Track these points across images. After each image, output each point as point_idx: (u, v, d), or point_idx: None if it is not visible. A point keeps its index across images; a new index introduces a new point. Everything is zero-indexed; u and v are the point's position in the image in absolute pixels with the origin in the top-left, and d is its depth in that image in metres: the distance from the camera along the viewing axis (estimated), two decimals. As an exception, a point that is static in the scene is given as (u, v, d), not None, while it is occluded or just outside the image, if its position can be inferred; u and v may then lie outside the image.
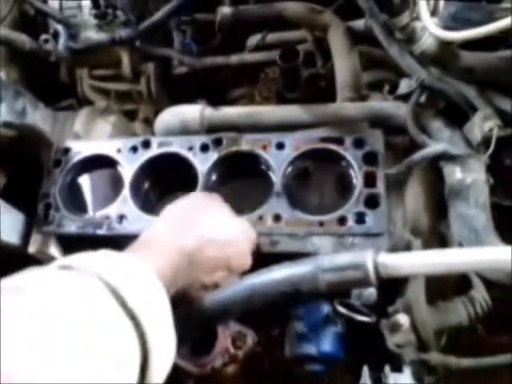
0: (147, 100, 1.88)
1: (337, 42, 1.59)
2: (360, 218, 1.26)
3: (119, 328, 0.80)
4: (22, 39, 1.79)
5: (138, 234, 1.11)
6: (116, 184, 1.47)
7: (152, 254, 1.01)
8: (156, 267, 0.96)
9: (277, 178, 1.36)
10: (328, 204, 1.34)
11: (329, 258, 1.01)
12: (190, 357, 1.30)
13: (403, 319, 1.15)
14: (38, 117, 1.60)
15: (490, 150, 1.23)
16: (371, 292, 1.18)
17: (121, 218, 1.40)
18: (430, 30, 1.21)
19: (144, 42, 1.86)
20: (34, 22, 1.91)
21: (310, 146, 1.38)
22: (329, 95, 1.54)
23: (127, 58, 1.83)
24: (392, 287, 1.16)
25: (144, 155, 1.48)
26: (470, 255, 0.90)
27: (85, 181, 1.55)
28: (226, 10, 1.72)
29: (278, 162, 1.37)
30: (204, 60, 1.92)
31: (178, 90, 1.90)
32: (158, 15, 1.76)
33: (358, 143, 1.34)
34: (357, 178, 1.31)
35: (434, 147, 1.27)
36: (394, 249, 1.22)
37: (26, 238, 1.50)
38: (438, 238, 1.30)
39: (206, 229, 1.14)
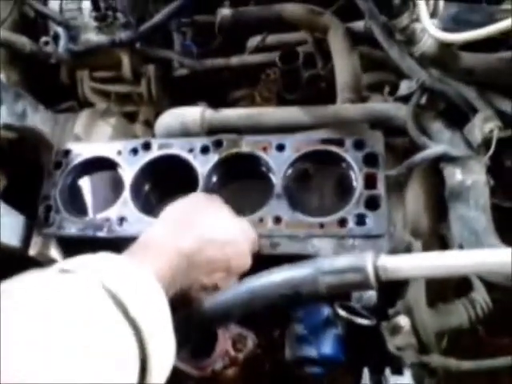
0: (148, 102, 1.87)
1: (337, 43, 1.59)
2: (360, 220, 1.26)
3: (118, 332, 0.80)
4: (23, 41, 1.79)
5: (139, 236, 1.11)
6: (116, 186, 1.47)
7: (151, 255, 1.01)
8: (155, 269, 0.96)
9: (277, 179, 1.36)
10: (328, 206, 1.34)
11: (329, 260, 1.01)
12: (190, 359, 1.30)
13: (404, 321, 1.15)
14: (38, 119, 1.59)
15: (491, 152, 1.23)
16: (371, 294, 1.18)
17: (121, 220, 1.40)
18: (430, 31, 1.20)
19: (144, 43, 1.85)
20: (34, 24, 1.91)
21: (310, 148, 1.38)
22: (329, 97, 1.54)
23: (127, 60, 1.83)
24: (392, 289, 1.15)
25: (144, 157, 1.48)
26: (470, 258, 0.90)
27: (85, 183, 1.55)
28: (225, 11, 1.72)
29: (279, 164, 1.37)
30: (204, 62, 1.92)
31: (178, 92, 1.90)
32: (158, 17, 1.76)
33: (359, 145, 1.33)
34: (357, 179, 1.30)
35: (434, 149, 1.27)
36: (394, 250, 1.22)
37: (26, 240, 1.49)
38: (439, 240, 1.30)
39: (206, 229, 1.14)
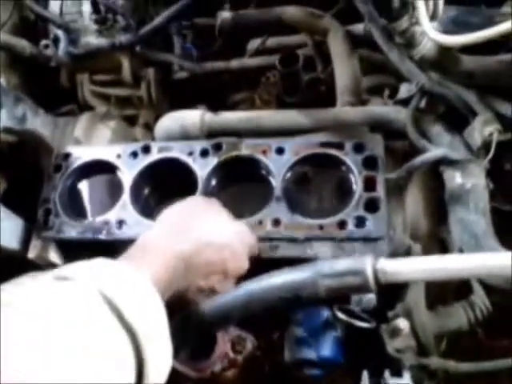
0: (147, 105, 1.87)
1: (337, 46, 1.59)
2: (360, 222, 1.26)
3: (114, 338, 0.81)
4: (23, 44, 1.79)
5: (138, 239, 1.11)
6: (116, 189, 1.47)
7: (148, 259, 1.01)
8: (151, 273, 0.96)
9: (276, 182, 1.36)
10: (328, 208, 1.34)
11: (328, 263, 1.01)
12: (189, 361, 1.30)
13: (403, 324, 1.15)
14: (38, 122, 1.60)
15: (490, 155, 1.23)
16: (371, 297, 1.18)
17: (120, 223, 1.40)
18: (430, 34, 1.20)
19: (144, 47, 1.86)
20: (34, 27, 1.91)
21: (309, 151, 1.38)
22: (329, 100, 1.54)
23: (127, 63, 1.83)
24: (392, 292, 1.16)
25: (144, 160, 1.48)
26: (470, 261, 0.90)
27: (85, 186, 1.55)
28: (226, 14, 1.73)
29: (278, 167, 1.37)
30: (204, 65, 1.92)
31: (178, 95, 1.90)
32: (158, 20, 1.77)
33: (358, 148, 1.33)
34: (357, 182, 1.30)
35: (434, 152, 1.27)
36: (393, 254, 1.22)
37: (25, 243, 1.49)
38: (438, 243, 1.30)
39: (203, 232, 1.13)
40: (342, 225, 1.27)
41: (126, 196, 1.43)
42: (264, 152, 1.39)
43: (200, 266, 1.11)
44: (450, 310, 1.21)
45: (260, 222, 1.31)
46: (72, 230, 1.44)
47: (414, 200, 1.32)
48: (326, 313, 1.25)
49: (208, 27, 1.86)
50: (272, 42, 1.89)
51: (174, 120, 1.56)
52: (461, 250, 1.19)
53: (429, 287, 1.18)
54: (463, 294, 1.22)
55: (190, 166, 1.43)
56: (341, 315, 1.21)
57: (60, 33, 1.79)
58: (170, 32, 1.91)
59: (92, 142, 1.66)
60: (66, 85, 1.94)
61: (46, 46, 1.77)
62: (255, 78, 1.88)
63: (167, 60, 1.91)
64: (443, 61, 1.29)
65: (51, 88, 1.92)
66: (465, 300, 1.21)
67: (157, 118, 1.64)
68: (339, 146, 1.35)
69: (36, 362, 0.70)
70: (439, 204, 1.29)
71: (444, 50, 1.26)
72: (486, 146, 1.23)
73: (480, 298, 1.19)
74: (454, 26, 1.32)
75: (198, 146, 1.45)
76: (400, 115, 1.37)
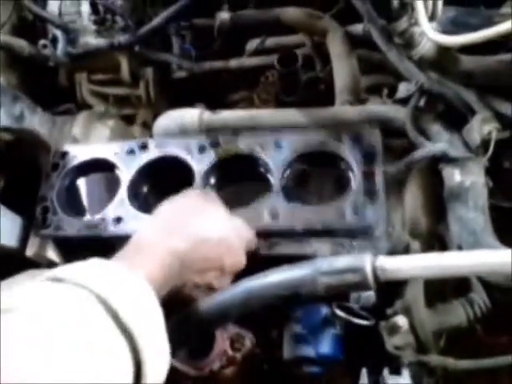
0: (146, 104, 1.88)
1: (335, 46, 1.59)
2: (358, 212, 1.25)
3: (112, 341, 0.81)
4: (21, 44, 1.79)
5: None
6: (113, 187, 1.46)
7: (143, 257, 1.00)
8: (146, 271, 0.96)
9: (274, 176, 1.35)
10: (326, 200, 1.33)
11: (327, 261, 1.01)
12: (187, 359, 1.30)
13: (402, 321, 1.15)
14: (36, 121, 1.60)
15: (489, 153, 1.23)
16: (370, 295, 1.18)
17: (118, 219, 1.39)
18: (429, 34, 1.21)
19: (143, 47, 1.86)
20: (32, 27, 1.91)
21: (307, 145, 1.37)
22: (327, 99, 1.54)
23: (126, 62, 1.84)
24: (391, 289, 1.15)
25: (141, 157, 1.47)
26: (469, 258, 0.90)
27: (82, 184, 1.55)
28: (224, 14, 1.73)
29: (276, 161, 1.37)
30: (203, 64, 1.92)
31: (176, 95, 1.91)
32: (156, 20, 1.77)
33: (356, 140, 1.33)
34: (355, 175, 1.30)
35: (434, 146, 1.27)
36: (392, 251, 1.22)
37: (23, 241, 1.49)
38: (437, 241, 1.30)
39: (199, 228, 1.12)
40: (340, 215, 1.26)
41: (123, 192, 1.43)
42: (261, 147, 1.39)
43: (196, 262, 1.10)
44: (449, 307, 1.21)
45: (258, 215, 1.31)
46: (70, 228, 1.44)
47: (413, 197, 1.32)
48: (324, 310, 1.25)
49: (207, 28, 1.87)
50: (271, 41, 1.89)
51: (172, 119, 1.56)
52: (459, 248, 1.19)
53: (428, 284, 1.19)
54: (462, 291, 1.22)
55: (187, 163, 1.42)
56: (340, 312, 1.21)
57: (58, 33, 1.80)
58: (168, 32, 1.92)
59: (90, 140, 1.66)
60: (64, 84, 1.95)
61: (45, 46, 1.77)
62: (254, 77, 1.88)
63: (166, 60, 1.91)
64: (442, 61, 1.30)
65: (49, 87, 1.92)
66: (464, 297, 1.21)
67: (155, 117, 1.64)
68: (337, 139, 1.35)
69: (34, 365, 0.70)
70: (438, 202, 1.29)
71: (443, 51, 1.27)
72: (484, 144, 1.24)
73: (479, 295, 1.20)
74: (453, 26, 1.32)
75: (196, 142, 1.45)
76: (399, 114, 1.37)
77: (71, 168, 1.53)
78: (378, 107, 1.46)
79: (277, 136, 1.40)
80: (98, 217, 1.42)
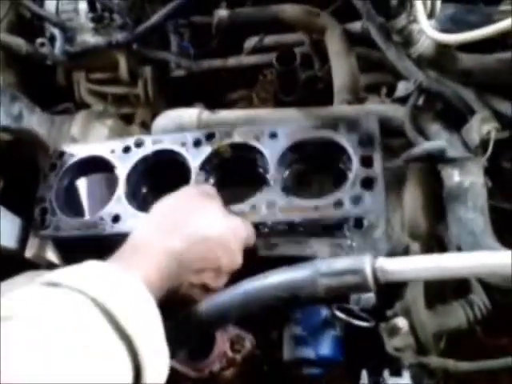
0: (144, 103, 1.88)
1: (334, 44, 1.59)
2: (357, 200, 1.22)
3: (110, 345, 0.81)
4: (19, 43, 1.79)
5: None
6: (111, 185, 1.46)
7: (140, 258, 1.01)
8: (144, 272, 0.96)
9: (270, 167, 1.33)
10: (324, 190, 1.30)
11: (327, 262, 1.00)
12: (188, 361, 1.30)
13: (402, 323, 1.15)
14: (35, 121, 1.59)
15: (488, 153, 1.23)
16: (369, 296, 1.18)
17: (116, 217, 1.38)
18: (427, 32, 1.20)
19: (141, 45, 1.85)
20: (30, 25, 1.90)
21: (303, 134, 1.35)
22: (326, 98, 1.54)
23: (124, 61, 1.83)
24: (391, 290, 1.15)
25: (137, 154, 1.47)
26: (468, 260, 0.90)
27: (80, 183, 1.54)
28: (222, 12, 1.73)
29: (272, 152, 1.35)
30: (201, 63, 1.92)
31: (175, 94, 1.90)
32: (154, 18, 1.77)
33: (353, 126, 1.31)
34: (352, 161, 1.27)
35: (434, 142, 1.27)
36: (392, 252, 1.22)
37: (23, 242, 1.49)
38: (437, 242, 1.30)
39: (195, 227, 1.12)
40: (338, 205, 1.23)
41: (120, 190, 1.42)
42: (257, 138, 1.38)
43: (192, 262, 1.09)
44: (448, 308, 1.21)
45: (254, 207, 1.29)
46: (68, 228, 1.43)
47: (412, 198, 1.32)
48: (324, 312, 1.25)
49: (205, 25, 1.86)
50: (269, 40, 1.89)
51: (170, 118, 1.56)
52: (459, 249, 1.19)
53: (428, 286, 1.18)
54: (462, 293, 1.22)
55: (183, 156, 1.41)
56: (340, 314, 1.21)
57: (56, 31, 1.79)
58: (166, 30, 1.91)
59: (88, 140, 1.66)
60: (62, 83, 1.94)
61: (42, 44, 1.77)
62: (252, 76, 1.88)
63: (164, 58, 1.90)
64: (441, 59, 1.29)
65: (47, 86, 1.92)
66: (464, 299, 1.21)
67: (154, 116, 1.64)
68: (333, 127, 1.33)
69: (33, 368, 0.71)
70: (437, 202, 1.29)
71: (442, 48, 1.26)
72: (483, 144, 1.23)
73: (479, 296, 1.20)
74: (452, 24, 1.32)
75: (191, 135, 1.44)
76: (398, 113, 1.36)
77: (68, 167, 1.53)
78: (376, 106, 1.45)
79: (272, 127, 1.39)
80: (96, 215, 1.42)
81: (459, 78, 1.32)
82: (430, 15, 1.21)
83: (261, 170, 1.37)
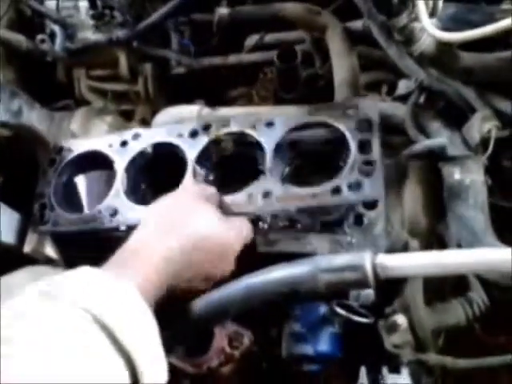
0: (144, 100, 1.88)
1: (335, 42, 1.59)
2: (355, 186, 1.19)
3: (108, 359, 0.81)
4: (19, 39, 1.79)
5: (134, 226, 1.11)
6: (109, 179, 1.45)
7: (138, 260, 1.00)
8: (140, 278, 0.95)
9: (267, 155, 1.31)
10: (321, 177, 1.27)
11: (327, 258, 1.00)
12: (185, 357, 1.30)
13: (401, 320, 1.15)
14: (34, 117, 1.60)
15: (489, 151, 1.23)
16: (369, 293, 1.17)
17: (114, 211, 1.38)
18: (429, 31, 1.20)
19: (141, 42, 1.86)
20: (30, 22, 1.90)
21: (300, 120, 1.34)
22: (327, 95, 1.54)
23: (124, 58, 1.84)
24: (390, 287, 1.15)
25: (135, 147, 1.46)
26: (468, 257, 0.90)
27: (79, 179, 1.54)
28: (223, 10, 1.73)
29: (268, 140, 1.33)
30: (202, 60, 1.92)
31: (175, 91, 1.90)
32: (155, 16, 1.77)
33: (351, 112, 1.29)
34: (350, 146, 1.24)
35: (435, 140, 1.27)
36: (391, 249, 1.21)
37: (22, 237, 1.49)
38: (437, 239, 1.30)
39: (191, 232, 1.10)
40: (336, 191, 1.20)
41: (118, 184, 1.42)
42: (253, 126, 1.36)
43: (187, 267, 1.08)
44: (447, 305, 1.21)
45: (250, 197, 1.26)
46: (67, 223, 1.43)
47: (412, 196, 1.32)
48: (323, 308, 1.25)
49: (205, 23, 1.86)
50: (270, 37, 1.89)
51: (171, 115, 1.56)
52: (459, 246, 1.19)
53: (427, 283, 1.18)
54: (461, 290, 1.22)
55: (180, 148, 1.41)
56: (339, 310, 1.20)
57: (56, 28, 1.79)
58: (167, 28, 1.91)
59: (88, 136, 1.66)
60: (62, 80, 1.94)
61: (42, 41, 1.77)
62: (253, 73, 1.88)
63: (164, 55, 1.91)
64: (442, 57, 1.29)
65: (48, 83, 1.92)
66: (463, 296, 1.21)
67: (154, 113, 1.65)
68: (331, 113, 1.31)
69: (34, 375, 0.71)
70: (438, 200, 1.29)
71: (443, 47, 1.26)
72: (484, 142, 1.23)
73: (478, 293, 1.20)
74: (454, 22, 1.32)
75: (187, 127, 1.43)
76: (399, 111, 1.36)
77: (67, 162, 1.52)
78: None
79: (269, 118, 1.37)
80: (94, 210, 1.41)
81: (460, 77, 1.32)
82: (432, 14, 1.21)
83: (255, 149, 1.36)
